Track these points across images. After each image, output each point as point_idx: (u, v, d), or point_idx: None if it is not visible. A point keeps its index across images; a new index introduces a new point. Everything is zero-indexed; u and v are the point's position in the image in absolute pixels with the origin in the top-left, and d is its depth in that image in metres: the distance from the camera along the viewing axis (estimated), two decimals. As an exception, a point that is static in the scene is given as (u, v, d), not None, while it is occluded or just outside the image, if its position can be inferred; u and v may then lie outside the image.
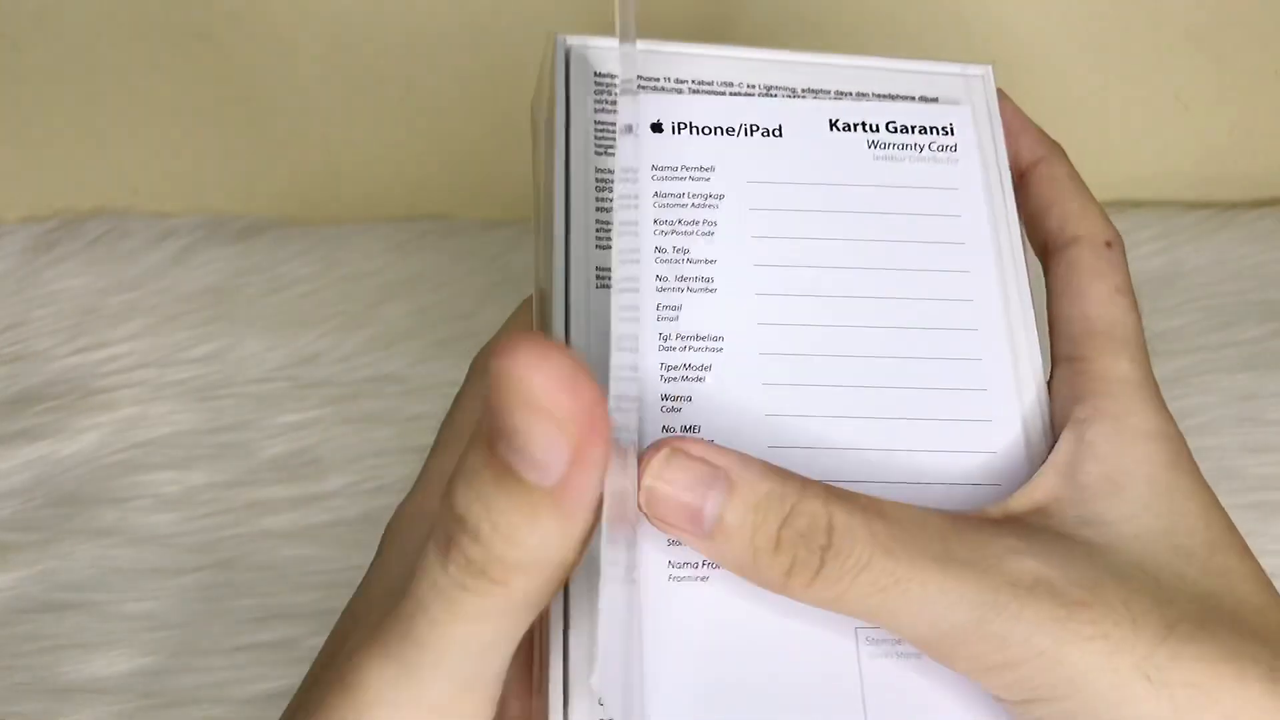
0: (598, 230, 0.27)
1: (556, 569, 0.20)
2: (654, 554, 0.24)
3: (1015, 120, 0.30)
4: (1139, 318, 0.27)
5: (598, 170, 0.28)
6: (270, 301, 0.45)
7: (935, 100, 0.30)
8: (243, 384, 0.43)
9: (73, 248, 0.46)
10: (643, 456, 0.22)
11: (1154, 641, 0.22)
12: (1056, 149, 0.30)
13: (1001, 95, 0.30)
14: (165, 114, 0.47)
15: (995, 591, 0.22)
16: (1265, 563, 0.25)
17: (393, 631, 0.20)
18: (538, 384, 0.17)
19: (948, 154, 0.29)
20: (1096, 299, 0.27)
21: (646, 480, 0.22)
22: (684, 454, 0.22)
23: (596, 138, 0.28)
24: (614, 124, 0.28)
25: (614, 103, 0.29)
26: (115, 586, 0.39)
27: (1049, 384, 0.27)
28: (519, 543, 0.19)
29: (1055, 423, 0.26)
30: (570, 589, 0.23)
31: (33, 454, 0.41)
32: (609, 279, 0.26)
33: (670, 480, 0.22)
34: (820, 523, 0.22)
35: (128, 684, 0.37)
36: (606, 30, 0.28)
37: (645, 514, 0.22)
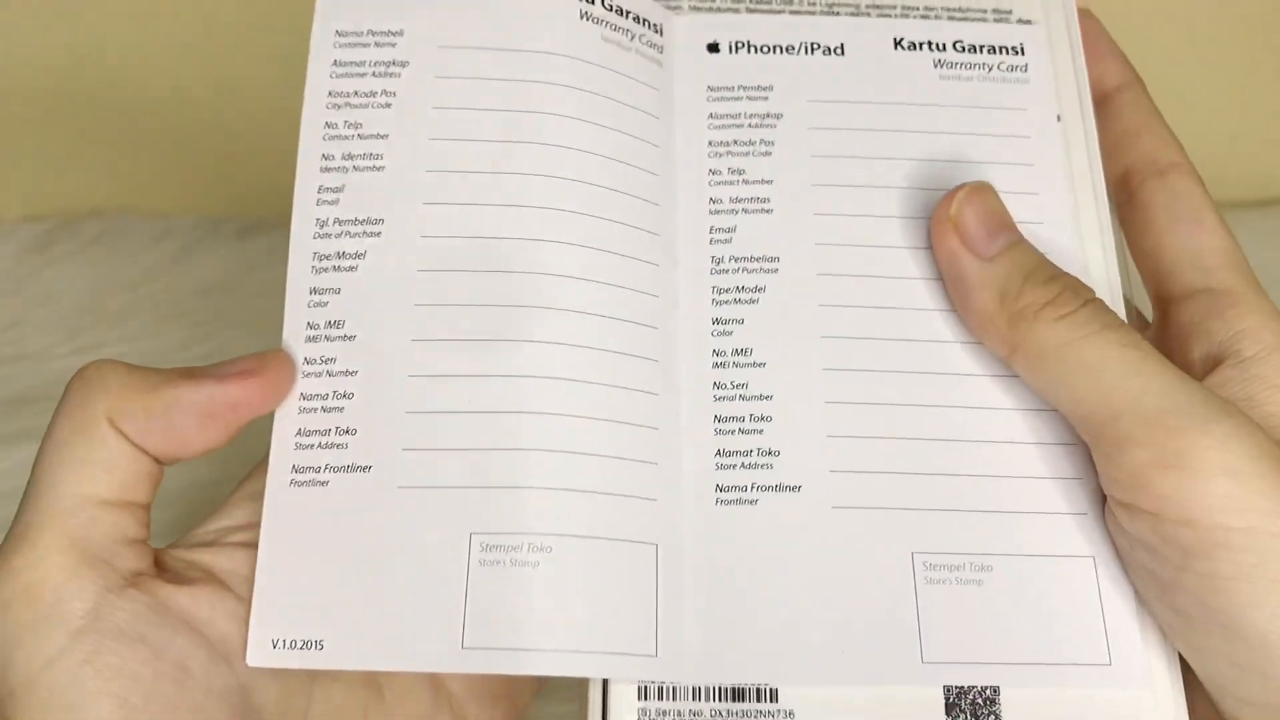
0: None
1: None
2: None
3: (1100, 43, 0.29)
4: (1238, 244, 0.27)
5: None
6: (269, 301, 0.45)
7: (1009, 15, 0.29)
8: (242, 384, 0.43)
9: (71, 247, 0.46)
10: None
11: None
12: (1139, 78, 0.29)
13: (1084, 14, 0.29)
14: (165, 113, 0.47)
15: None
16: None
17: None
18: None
19: (1017, 74, 0.28)
20: (1216, 228, 0.26)
21: (960, 194, 0.25)
22: (990, 190, 0.26)
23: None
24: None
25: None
26: (114, 587, 0.39)
27: (1162, 317, 0.27)
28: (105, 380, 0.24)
29: (1190, 356, 0.26)
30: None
31: (32, 454, 0.41)
32: None
33: (980, 202, 0.26)
34: (1084, 291, 0.25)
35: (126, 684, 0.37)
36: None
37: (955, 219, 0.25)
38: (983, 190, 0.26)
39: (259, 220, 0.48)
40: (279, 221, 0.48)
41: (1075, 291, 0.24)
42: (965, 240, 0.25)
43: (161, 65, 0.46)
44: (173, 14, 0.44)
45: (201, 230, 0.47)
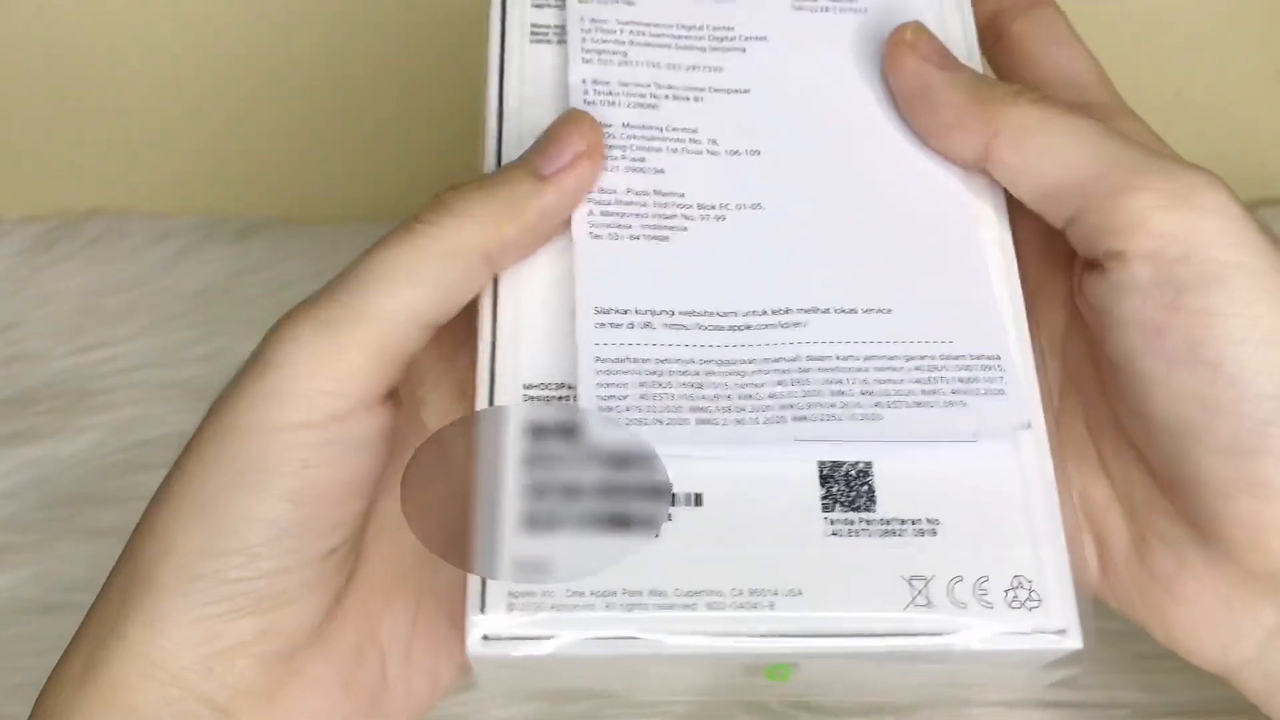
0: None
1: (495, 247, 0.24)
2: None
3: None
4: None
5: None
6: (270, 301, 0.45)
7: None
8: (242, 384, 0.43)
9: (71, 248, 0.46)
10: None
11: None
12: None
13: None
14: (165, 113, 0.47)
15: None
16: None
17: (322, 297, 0.23)
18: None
19: None
20: (1084, 52, 0.29)
21: (910, 26, 0.27)
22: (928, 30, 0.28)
23: None
24: None
25: None
26: (114, 587, 0.39)
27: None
28: (472, 209, 0.24)
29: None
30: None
31: (32, 454, 0.41)
32: (545, 34, 0.28)
33: (929, 34, 0.27)
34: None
35: (127, 684, 0.37)
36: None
37: (912, 43, 0.27)
38: (925, 26, 0.28)
39: (259, 220, 0.48)
40: (279, 221, 0.48)
41: (1035, 91, 0.26)
42: (926, 58, 0.27)
43: (162, 65, 0.46)
44: (174, 13, 0.44)
45: (201, 230, 0.47)
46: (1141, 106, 0.51)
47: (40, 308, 0.45)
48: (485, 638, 0.22)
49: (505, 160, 0.26)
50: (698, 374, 0.24)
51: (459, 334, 0.26)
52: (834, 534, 0.23)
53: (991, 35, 0.29)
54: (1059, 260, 0.27)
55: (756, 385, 0.24)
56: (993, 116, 0.25)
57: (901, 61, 0.27)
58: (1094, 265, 0.25)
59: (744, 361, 0.25)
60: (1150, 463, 0.26)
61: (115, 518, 0.40)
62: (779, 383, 0.24)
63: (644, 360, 0.24)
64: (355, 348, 0.23)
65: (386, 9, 0.44)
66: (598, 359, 0.24)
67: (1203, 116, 0.48)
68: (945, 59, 0.27)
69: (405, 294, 0.23)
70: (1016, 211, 0.27)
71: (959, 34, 0.29)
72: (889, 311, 0.25)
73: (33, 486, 0.41)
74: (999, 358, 0.25)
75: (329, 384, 0.23)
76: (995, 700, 0.34)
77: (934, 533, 0.23)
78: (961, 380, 0.24)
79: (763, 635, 0.22)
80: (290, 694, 0.24)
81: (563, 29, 0.28)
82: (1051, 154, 0.25)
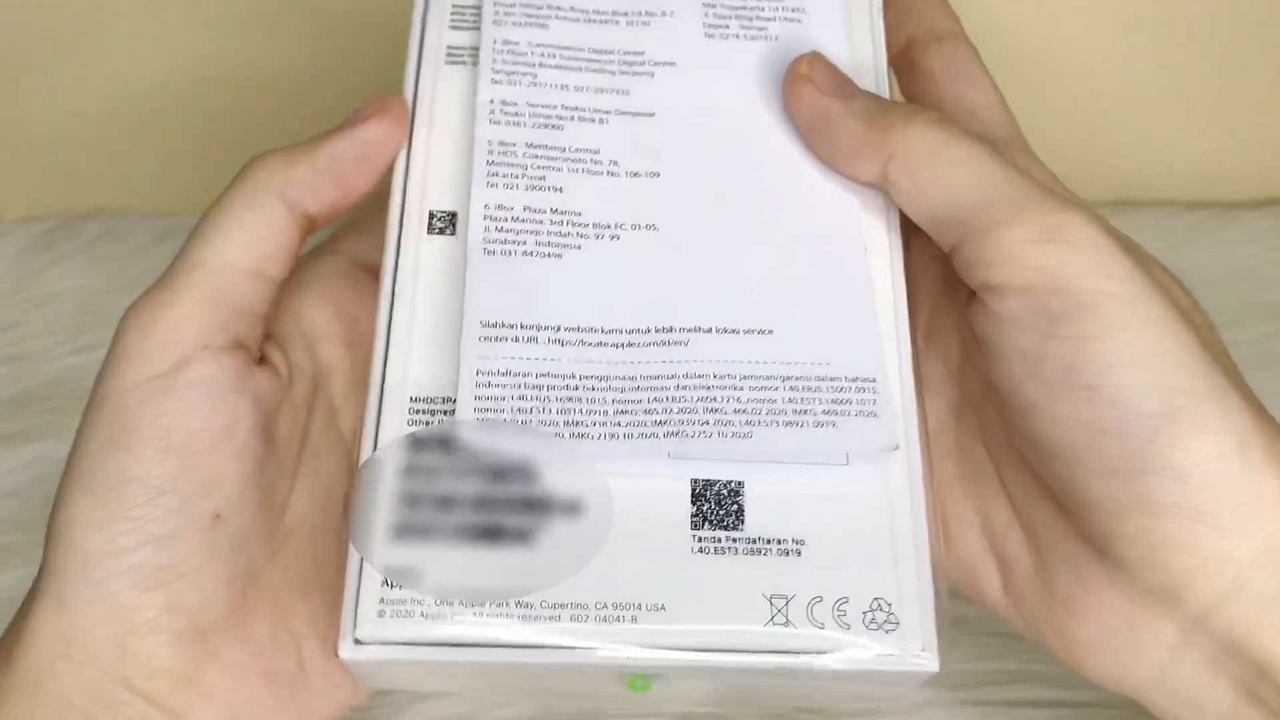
0: (453, 12, 0.30)
1: (286, 185, 0.27)
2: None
3: None
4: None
5: None
6: (270, 301, 0.45)
7: None
8: (242, 384, 0.43)
9: (72, 248, 0.46)
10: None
11: None
12: None
13: None
14: (165, 113, 0.47)
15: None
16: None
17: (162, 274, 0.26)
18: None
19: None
20: (989, 87, 0.29)
21: (806, 57, 0.28)
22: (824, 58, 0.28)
23: None
24: None
25: None
26: (115, 587, 0.39)
27: None
28: (266, 159, 0.27)
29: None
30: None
31: (32, 454, 0.41)
32: (460, 57, 0.29)
33: (825, 63, 0.28)
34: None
35: (127, 684, 0.37)
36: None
37: (809, 74, 0.28)
38: (822, 56, 0.28)
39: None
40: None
41: (933, 112, 0.27)
42: (823, 90, 0.27)
43: (162, 64, 0.46)
44: (174, 13, 0.44)
45: (202, 230, 0.47)
46: (1142, 106, 0.51)
47: (41, 308, 0.45)
48: (357, 641, 0.23)
49: (411, 177, 0.28)
50: (576, 389, 0.25)
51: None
52: (700, 550, 0.24)
53: (904, 63, 0.30)
54: (957, 284, 0.27)
55: (633, 401, 0.25)
56: (887, 142, 0.26)
57: (799, 93, 0.28)
58: (975, 295, 0.26)
59: (624, 378, 0.25)
60: (1046, 484, 0.26)
61: (116, 518, 0.40)
62: (655, 399, 0.25)
63: (524, 374, 0.25)
64: (183, 299, 0.25)
65: (388, 10, 0.44)
66: (478, 371, 0.25)
67: (1203, 116, 0.48)
68: (842, 88, 0.28)
69: (216, 243, 0.26)
70: (922, 234, 0.27)
71: (869, 60, 0.29)
72: (770, 332, 0.26)
73: (33, 486, 0.41)
74: (874, 380, 0.25)
75: (166, 335, 0.25)
76: (997, 700, 0.34)
77: (798, 553, 0.24)
78: (834, 401, 0.25)
79: (623, 645, 0.23)
80: (208, 677, 0.25)
81: (476, 50, 0.29)
82: (939, 181, 0.25)
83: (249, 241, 0.26)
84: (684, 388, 0.25)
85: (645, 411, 0.25)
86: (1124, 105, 0.48)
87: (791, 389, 0.25)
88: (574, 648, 0.23)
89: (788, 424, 0.24)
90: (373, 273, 0.28)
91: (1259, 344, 0.43)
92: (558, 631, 0.23)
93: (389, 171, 0.28)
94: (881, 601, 0.23)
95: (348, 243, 0.31)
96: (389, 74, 0.46)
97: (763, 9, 0.30)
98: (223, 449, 0.25)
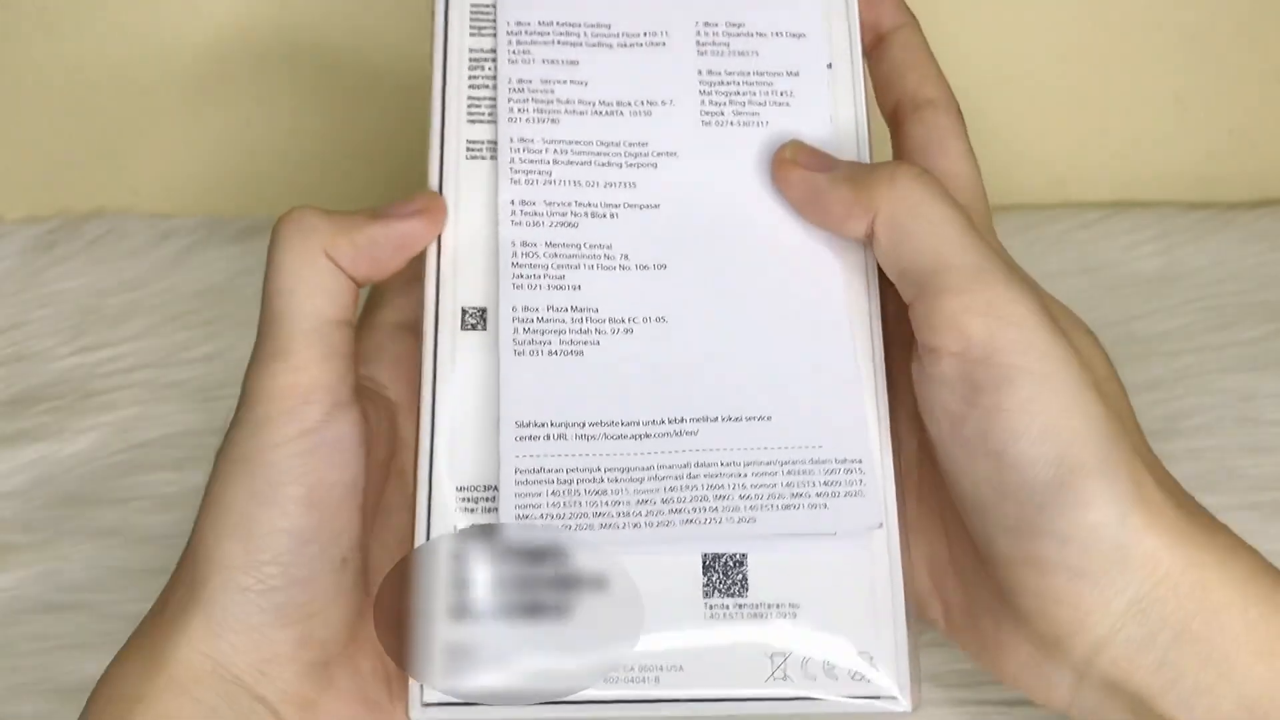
0: (470, 105, 0.31)
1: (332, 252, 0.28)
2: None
3: None
4: (979, 173, 0.31)
5: (471, 50, 0.32)
6: (270, 302, 0.45)
7: None
8: (243, 384, 0.43)
9: (73, 248, 0.46)
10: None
11: None
12: (914, 19, 0.32)
13: None
14: (165, 113, 0.47)
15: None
16: (1265, 563, 0.25)
17: (260, 336, 0.28)
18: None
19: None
20: (960, 157, 0.31)
21: (789, 145, 0.30)
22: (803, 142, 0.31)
23: (472, 19, 0.32)
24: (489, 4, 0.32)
25: None
26: (115, 587, 0.39)
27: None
28: (315, 222, 0.28)
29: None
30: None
31: (33, 454, 0.41)
32: (479, 150, 0.31)
33: (806, 146, 0.30)
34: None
35: (128, 684, 0.37)
36: None
37: (794, 158, 0.30)
38: (802, 142, 0.30)
39: (260, 221, 0.48)
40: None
41: (914, 168, 0.28)
42: (809, 167, 0.30)
43: (163, 65, 0.46)
44: (175, 13, 0.44)
45: (202, 230, 0.47)
46: (1141, 107, 0.51)
47: (41, 308, 0.45)
48: (425, 704, 0.27)
49: (443, 271, 0.30)
50: (602, 481, 0.28)
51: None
52: (712, 616, 0.27)
53: (893, 125, 0.32)
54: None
55: (652, 491, 0.28)
56: (873, 200, 0.28)
57: (787, 176, 0.30)
58: (917, 353, 0.28)
59: (643, 469, 0.28)
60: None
61: (117, 518, 0.40)
62: (670, 489, 0.28)
63: (557, 470, 0.28)
64: (306, 359, 0.27)
65: (388, 11, 0.44)
66: (516, 470, 0.28)
67: (1203, 116, 0.48)
68: (824, 162, 0.30)
69: (302, 298, 0.28)
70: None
71: (851, 131, 0.31)
72: (768, 419, 0.28)
73: (34, 486, 0.41)
74: (860, 461, 0.28)
75: (304, 396, 0.27)
76: (996, 700, 0.34)
77: (794, 615, 0.27)
78: (825, 484, 0.28)
79: (647, 701, 0.27)
80: (326, 702, 0.28)
81: (494, 144, 0.31)
82: (909, 239, 0.27)
83: (329, 295, 0.28)
84: (694, 476, 0.28)
85: (663, 500, 0.28)
86: (1123, 106, 0.48)
87: (789, 473, 0.28)
88: (611, 703, 0.27)
89: (785, 507, 0.28)
90: (412, 330, 0.30)
91: (1259, 344, 0.43)
92: (596, 692, 0.27)
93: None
94: (865, 653, 0.27)
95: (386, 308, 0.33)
96: (389, 74, 0.46)
97: (754, 94, 0.31)
98: (352, 499, 0.28)
